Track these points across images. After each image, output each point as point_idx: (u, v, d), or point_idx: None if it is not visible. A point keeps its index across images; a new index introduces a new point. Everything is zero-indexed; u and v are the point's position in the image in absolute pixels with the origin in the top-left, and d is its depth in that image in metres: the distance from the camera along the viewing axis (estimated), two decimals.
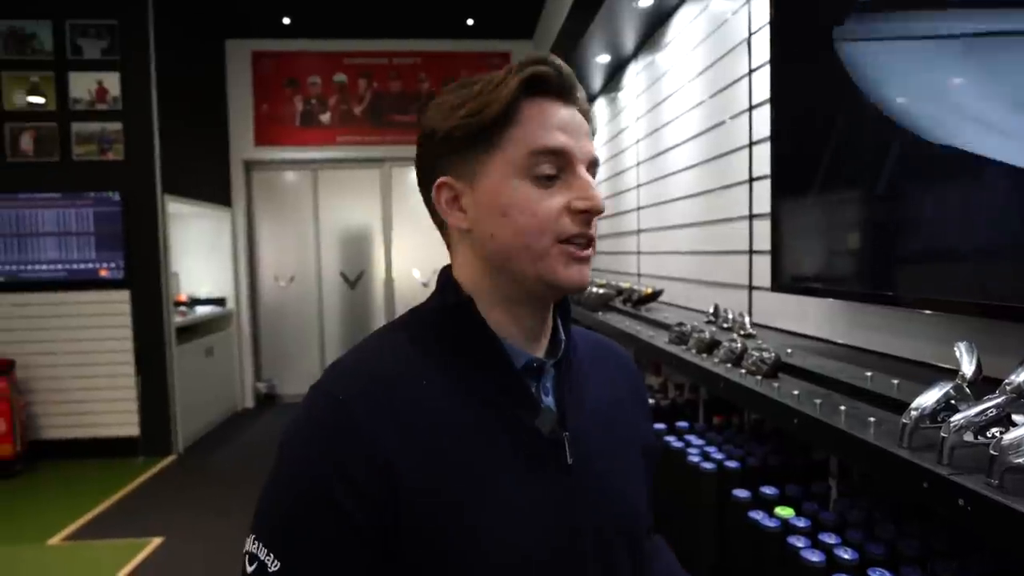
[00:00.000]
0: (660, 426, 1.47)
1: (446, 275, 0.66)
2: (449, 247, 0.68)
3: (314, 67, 5.77)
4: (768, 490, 1.05)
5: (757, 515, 0.97)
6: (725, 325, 1.75)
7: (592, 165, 0.63)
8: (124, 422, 4.26)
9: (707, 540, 1.17)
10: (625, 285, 2.68)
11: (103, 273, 4.19)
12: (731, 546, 1.10)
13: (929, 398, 0.80)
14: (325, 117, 5.79)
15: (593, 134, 0.65)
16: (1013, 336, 1.00)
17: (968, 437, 0.73)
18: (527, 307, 0.64)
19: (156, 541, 3.03)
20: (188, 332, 4.74)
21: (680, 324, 1.65)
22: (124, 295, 4.22)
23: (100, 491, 3.67)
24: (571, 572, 0.61)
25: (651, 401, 1.65)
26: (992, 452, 0.66)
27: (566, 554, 0.61)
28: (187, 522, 3.26)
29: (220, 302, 5.47)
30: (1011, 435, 0.65)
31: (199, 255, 5.49)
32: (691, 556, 1.26)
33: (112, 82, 4.20)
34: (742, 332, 1.61)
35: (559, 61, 0.62)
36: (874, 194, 1.21)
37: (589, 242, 0.62)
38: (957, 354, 0.95)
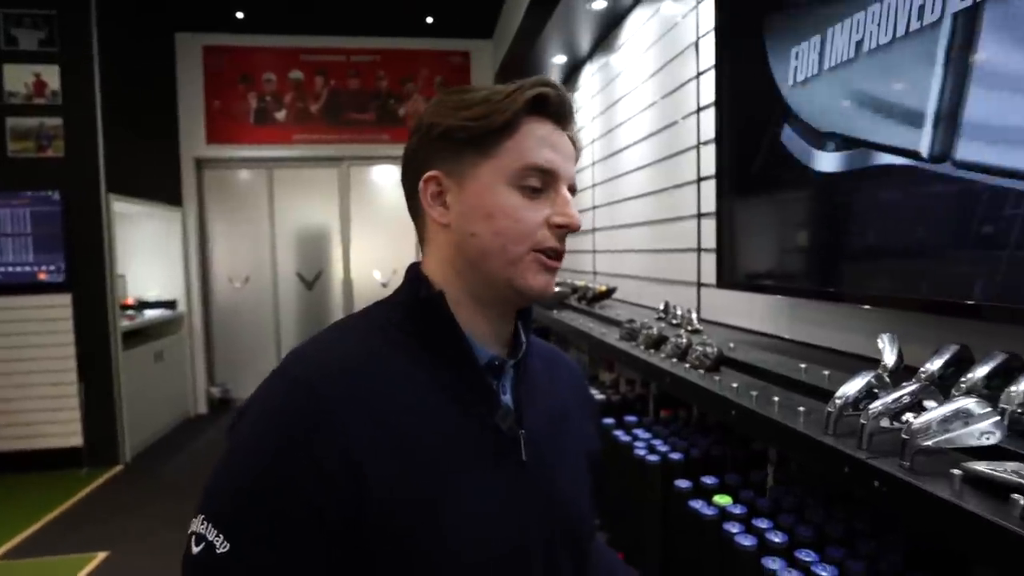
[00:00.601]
0: (609, 420, 1.50)
1: (416, 270, 0.68)
2: (422, 240, 0.70)
3: (269, 63, 5.65)
4: (708, 480, 1.09)
5: (697, 504, 1.00)
6: (674, 321, 1.79)
7: (571, 189, 0.67)
8: (67, 432, 4.08)
9: (652, 529, 1.20)
10: (580, 283, 2.71)
11: (42, 276, 4.01)
12: (674, 534, 1.13)
13: (852, 387, 0.84)
14: (280, 115, 5.68)
15: (576, 160, 0.70)
16: (935, 328, 1.06)
17: (885, 423, 0.77)
18: (493, 308, 0.66)
19: (101, 556, 2.92)
20: (136, 336, 4.58)
21: (630, 321, 1.69)
22: (66, 299, 4.05)
23: (41, 505, 3.51)
24: (518, 570, 0.62)
25: (602, 396, 1.68)
26: (904, 436, 0.70)
27: (516, 550, 0.62)
28: (134, 535, 3.15)
29: (170, 305, 5.29)
30: (921, 419, 0.69)
31: (148, 256, 5.30)
32: (639, 545, 1.29)
33: (51, 75, 4.02)
34: (689, 328, 1.65)
35: (563, 88, 0.66)
36: (804, 196, 1.26)
37: (559, 255, 0.66)
38: (880, 345, 1.00)
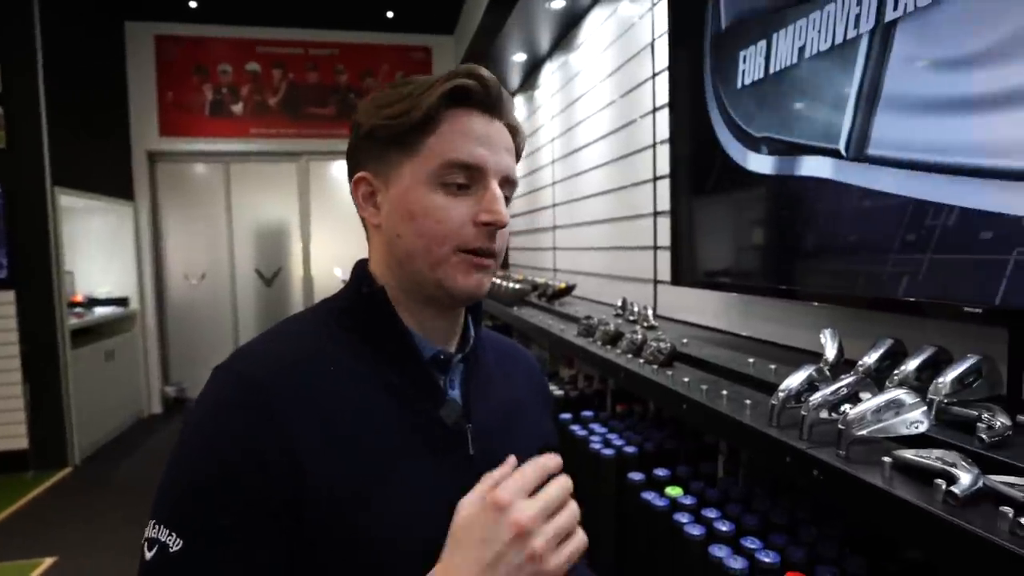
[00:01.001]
0: (567, 416, 1.52)
1: (361, 267, 0.68)
2: (368, 238, 0.70)
3: (224, 54, 5.50)
4: (661, 472, 1.11)
5: (649, 496, 1.03)
6: (631, 318, 1.82)
7: (507, 182, 0.65)
8: (11, 434, 3.91)
9: (607, 520, 1.22)
10: (541, 280, 2.73)
11: None
12: (628, 525, 1.15)
13: (794, 380, 0.87)
14: (237, 108, 5.53)
15: (519, 152, 0.67)
16: (877, 323, 1.11)
17: (824, 414, 0.80)
18: (429, 306, 0.65)
19: (48, 561, 2.81)
20: (85, 335, 4.41)
21: (588, 318, 1.71)
22: (8, 296, 3.87)
23: None
24: None
25: (561, 392, 1.70)
26: (840, 427, 0.73)
27: None
28: (83, 539, 3.04)
29: (122, 302, 5.12)
30: (855, 410, 0.73)
31: (98, 252, 5.11)
32: (594, 536, 1.31)
33: None
34: (645, 324, 1.68)
35: (488, 75, 0.63)
36: (745, 196, 1.31)
37: (491, 253, 0.64)
38: (822, 340, 1.04)
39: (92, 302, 4.90)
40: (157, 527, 0.54)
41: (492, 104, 0.64)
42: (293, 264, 5.79)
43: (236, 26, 5.43)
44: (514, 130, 0.66)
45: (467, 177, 0.62)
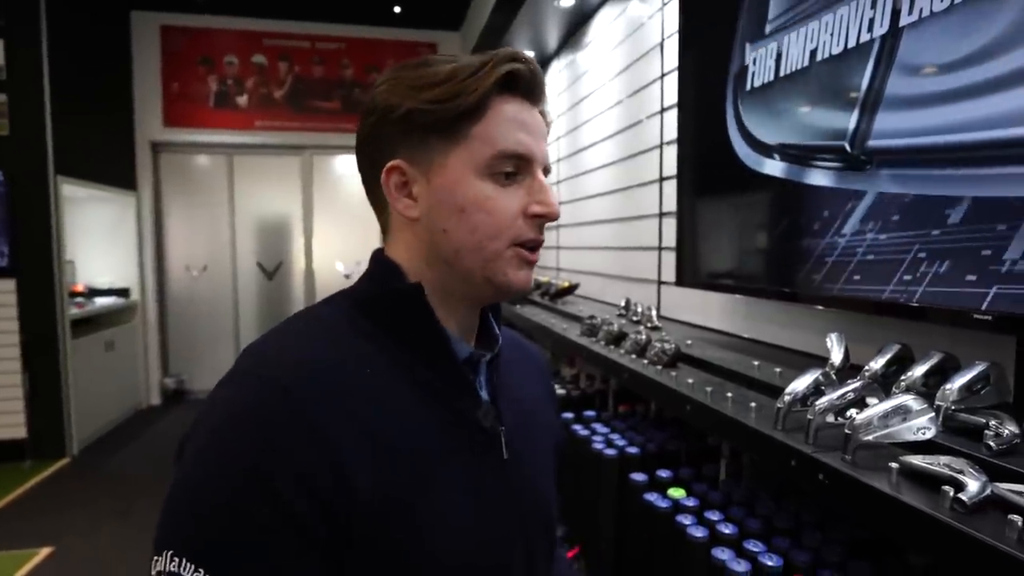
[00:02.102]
0: (569, 415, 1.51)
1: (385, 259, 0.63)
2: (385, 230, 0.65)
3: (230, 46, 5.49)
4: (663, 473, 1.11)
5: (651, 497, 1.03)
6: (634, 318, 1.82)
7: (546, 170, 0.63)
8: (9, 423, 3.90)
9: (608, 521, 1.22)
10: (544, 279, 2.73)
11: None
12: (629, 526, 1.15)
13: (800, 384, 0.87)
14: (242, 100, 5.53)
15: (547, 137, 0.65)
16: (884, 328, 1.10)
17: (830, 419, 0.80)
18: (466, 303, 0.63)
19: (44, 551, 2.81)
20: (86, 325, 4.41)
21: (591, 317, 1.71)
22: (10, 284, 3.87)
23: None
24: (501, 568, 0.61)
25: (563, 391, 1.69)
26: (846, 431, 0.73)
27: (499, 549, 0.60)
28: (80, 530, 3.04)
29: (123, 292, 5.11)
30: (862, 415, 0.73)
31: (100, 242, 5.11)
32: (595, 536, 1.31)
33: None
34: (649, 325, 1.68)
35: (534, 62, 0.61)
36: (755, 200, 1.30)
37: (538, 246, 0.62)
38: (828, 344, 1.04)
39: (93, 292, 4.90)
40: (175, 559, 0.46)
41: (535, 91, 0.61)
42: (295, 258, 5.79)
43: (243, 17, 5.42)
44: (546, 116, 0.64)
45: (515, 166, 0.59)
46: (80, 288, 4.75)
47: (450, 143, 0.58)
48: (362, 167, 0.64)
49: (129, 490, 3.50)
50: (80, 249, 4.85)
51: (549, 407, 0.78)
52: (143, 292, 5.31)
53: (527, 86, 0.60)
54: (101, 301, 4.81)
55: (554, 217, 0.61)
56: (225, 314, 5.68)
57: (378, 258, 0.64)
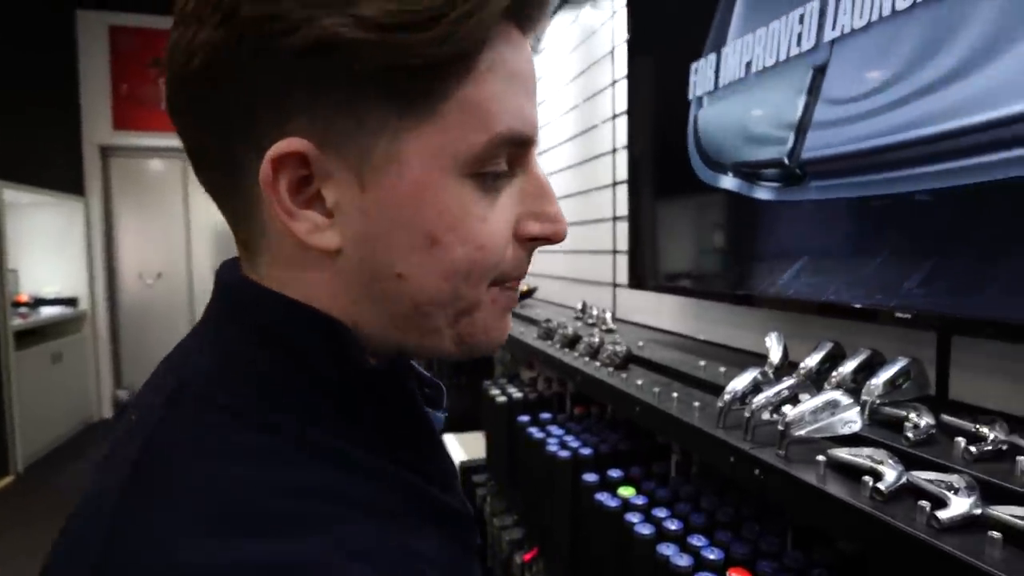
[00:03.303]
0: (525, 418, 1.53)
1: (304, 311, 0.36)
2: (253, 250, 0.38)
3: None
4: (614, 473, 1.14)
5: (602, 496, 1.05)
6: (590, 321, 1.85)
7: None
8: None
9: (563, 521, 1.24)
10: None
11: None
12: (582, 525, 1.17)
13: (740, 382, 0.90)
14: None
15: None
16: (820, 327, 1.15)
17: (766, 415, 0.83)
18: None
19: None
20: (31, 336, 4.24)
21: (547, 321, 1.73)
22: None
23: None
24: None
25: (521, 394, 1.71)
26: (780, 428, 0.76)
27: None
28: (26, 551, 2.92)
29: (71, 302, 4.93)
30: (794, 412, 0.76)
31: (45, 250, 4.92)
32: (551, 536, 1.33)
33: None
34: (603, 327, 1.71)
35: None
36: (704, 208, 1.34)
37: (519, 279, 0.42)
38: (768, 343, 1.08)
39: (38, 302, 4.71)
40: None
41: (541, 12, 0.37)
42: None
43: None
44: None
45: (509, 158, 0.37)
46: (24, 298, 4.56)
47: (409, 117, 0.33)
48: (193, 130, 0.36)
49: None
50: (24, 257, 4.66)
51: None
52: (93, 301, 5.13)
53: (539, 5, 0.36)
54: (47, 311, 4.62)
55: (560, 239, 0.40)
56: (181, 323, 5.52)
57: (274, 302, 0.36)
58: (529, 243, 0.39)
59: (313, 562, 0.28)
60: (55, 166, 4.71)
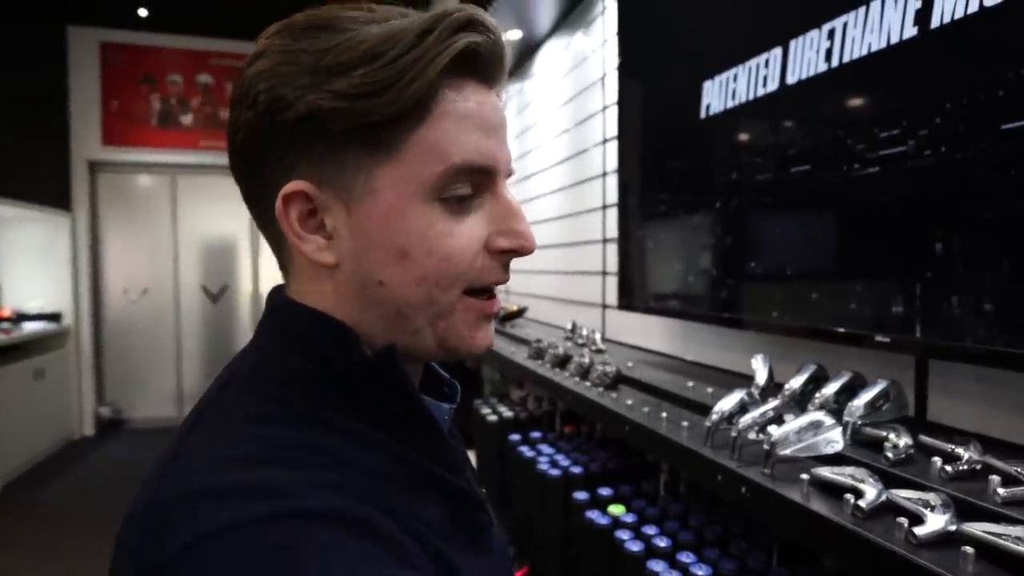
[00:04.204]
0: (516, 437, 1.55)
1: (316, 315, 0.45)
2: (286, 270, 0.49)
3: (175, 64, 5.39)
4: (604, 491, 1.16)
5: (593, 514, 1.07)
6: (580, 341, 1.88)
7: (509, 176, 0.49)
8: None
9: (554, 538, 1.26)
10: None
11: None
12: (573, 543, 1.19)
13: (727, 403, 0.93)
14: (187, 119, 5.42)
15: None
16: (805, 349, 1.19)
17: (752, 435, 0.86)
18: (415, 365, 0.51)
19: None
20: (12, 352, 4.19)
21: (538, 341, 1.76)
22: None
23: None
24: None
25: (511, 413, 1.73)
26: (766, 447, 0.79)
27: None
28: (7, 570, 2.86)
29: (55, 317, 4.88)
30: (779, 431, 0.79)
31: (29, 265, 4.88)
32: (542, 554, 1.34)
33: None
34: (593, 348, 1.74)
35: (492, 22, 0.44)
36: (691, 227, 1.39)
37: (495, 291, 0.48)
38: (754, 364, 1.11)
39: (21, 317, 4.66)
40: None
41: (499, 69, 0.46)
42: (241, 280, 5.66)
43: (188, 36, 5.33)
44: (500, 99, 0.48)
45: (472, 185, 0.45)
46: (7, 313, 4.51)
47: (379, 157, 0.42)
48: (242, 183, 0.47)
49: (59, 528, 3.31)
50: (7, 272, 4.62)
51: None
52: (77, 317, 5.08)
53: (488, 64, 0.44)
54: (30, 326, 4.57)
55: (528, 251, 0.47)
56: (167, 339, 5.48)
57: (301, 312, 0.46)
58: (500, 255, 0.47)
59: (275, 484, 0.36)
60: (42, 181, 4.70)
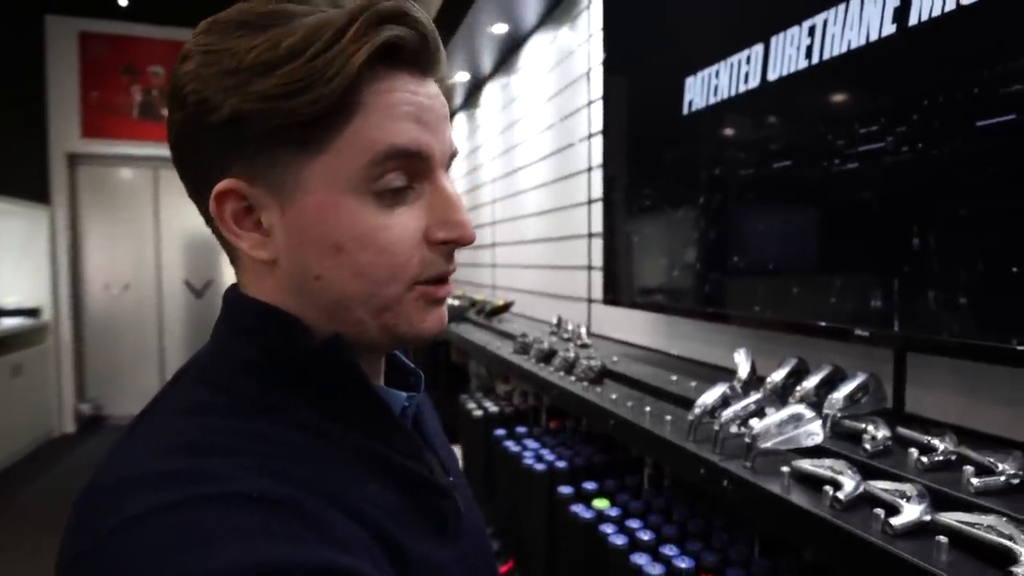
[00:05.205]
0: (501, 431, 1.55)
1: (264, 307, 0.46)
2: (235, 267, 0.50)
3: (156, 55, 5.30)
4: (589, 485, 1.16)
5: (577, 508, 1.07)
6: (565, 335, 1.88)
7: (451, 160, 0.48)
8: None
9: (538, 533, 1.26)
10: (479, 297, 2.77)
11: None
12: (558, 537, 1.20)
13: (709, 397, 0.94)
14: None
15: (452, 115, 0.50)
16: (786, 343, 1.20)
17: (734, 428, 0.87)
18: (366, 354, 0.49)
19: None
20: None
21: (523, 335, 1.76)
22: None
23: None
24: None
25: (497, 408, 1.73)
26: (747, 440, 0.80)
27: None
28: None
29: (33, 313, 4.80)
30: (760, 425, 0.80)
31: (6, 259, 4.78)
32: (527, 548, 1.35)
33: None
34: (578, 342, 1.74)
35: (420, 13, 0.43)
36: (675, 222, 1.39)
37: (447, 277, 0.48)
38: (736, 359, 1.12)
39: None
40: None
41: (429, 57, 0.45)
42: (226, 275, 5.59)
43: (170, 27, 5.25)
44: (447, 90, 0.48)
45: (407, 175, 0.44)
46: None
47: (308, 154, 0.42)
48: (184, 181, 0.47)
49: (37, 527, 3.27)
50: None
51: (438, 428, 0.65)
52: (56, 312, 5.00)
53: (416, 55, 0.44)
54: (7, 322, 4.50)
55: (467, 242, 0.47)
56: (149, 334, 5.42)
57: (248, 305, 0.47)
58: (440, 246, 0.47)
59: (208, 469, 0.37)
60: (19, 173, 4.61)
